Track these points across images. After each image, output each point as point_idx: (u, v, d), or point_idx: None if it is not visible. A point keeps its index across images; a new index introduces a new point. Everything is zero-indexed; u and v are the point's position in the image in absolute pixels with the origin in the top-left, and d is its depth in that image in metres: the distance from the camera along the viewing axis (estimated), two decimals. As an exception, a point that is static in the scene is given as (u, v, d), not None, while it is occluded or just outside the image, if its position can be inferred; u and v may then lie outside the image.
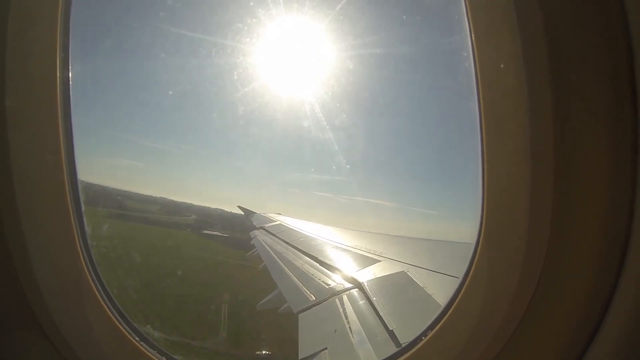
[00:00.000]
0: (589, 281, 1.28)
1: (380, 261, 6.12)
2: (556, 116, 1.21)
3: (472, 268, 1.37)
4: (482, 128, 1.29)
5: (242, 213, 17.41)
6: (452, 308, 1.41)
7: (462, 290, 1.39)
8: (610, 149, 1.23)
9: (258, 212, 17.07)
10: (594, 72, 1.22)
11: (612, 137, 1.22)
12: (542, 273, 1.29)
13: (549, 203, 1.25)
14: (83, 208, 1.54)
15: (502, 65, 1.24)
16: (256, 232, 12.97)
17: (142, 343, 1.56)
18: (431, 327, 1.45)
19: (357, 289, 5.12)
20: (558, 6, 1.20)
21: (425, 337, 1.46)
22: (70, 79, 1.48)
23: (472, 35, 1.27)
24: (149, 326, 1.77)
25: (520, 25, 1.20)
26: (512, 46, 1.21)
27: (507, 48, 1.23)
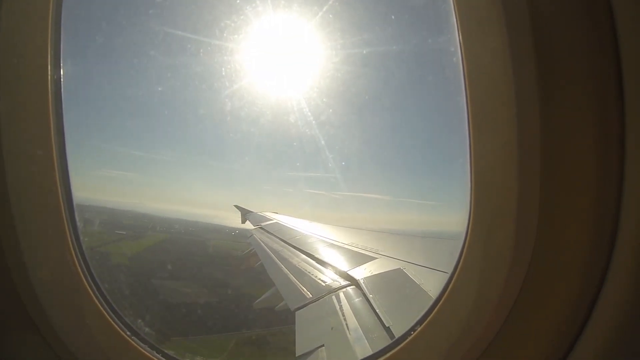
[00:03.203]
0: (576, 277, 1.29)
1: (376, 258, 6.11)
2: (543, 111, 1.23)
3: (460, 263, 1.38)
4: (469, 124, 1.30)
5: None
6: (441, 303, 1.42)
7: (450, 285, 1.41)
8: (597, 142, 1.24)
9: (254, 211, 17.03)
10: (580, 67, 1.23)
11: (599, 131, 1.24)
12: (529, 267, 1.30)
13: (536, 197, 1.26)
14: (75, 206, 1.56)
15: (488, 60, 1.26)
16: (253, 230, 12.97)
17: (133, 337, 1.59)
18: (420, 321, 1.47)
19: (353, 286, 5.12)
20: (545, 1, 1.21)
21: (414, 331, 1.47)
22: (62, 78, 1.50)
23: (459, 31, 1.28)
24: (140, 321, 1.80)
25: (507, 21, 1.22)
26: (499, 41, 1.23)
27: (494, 42, 1.24)
